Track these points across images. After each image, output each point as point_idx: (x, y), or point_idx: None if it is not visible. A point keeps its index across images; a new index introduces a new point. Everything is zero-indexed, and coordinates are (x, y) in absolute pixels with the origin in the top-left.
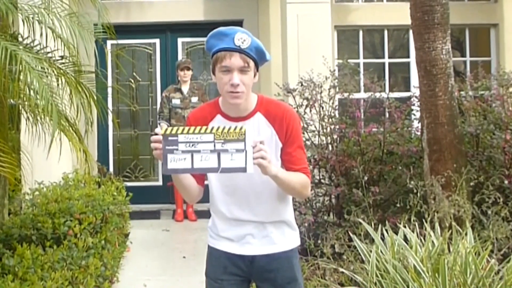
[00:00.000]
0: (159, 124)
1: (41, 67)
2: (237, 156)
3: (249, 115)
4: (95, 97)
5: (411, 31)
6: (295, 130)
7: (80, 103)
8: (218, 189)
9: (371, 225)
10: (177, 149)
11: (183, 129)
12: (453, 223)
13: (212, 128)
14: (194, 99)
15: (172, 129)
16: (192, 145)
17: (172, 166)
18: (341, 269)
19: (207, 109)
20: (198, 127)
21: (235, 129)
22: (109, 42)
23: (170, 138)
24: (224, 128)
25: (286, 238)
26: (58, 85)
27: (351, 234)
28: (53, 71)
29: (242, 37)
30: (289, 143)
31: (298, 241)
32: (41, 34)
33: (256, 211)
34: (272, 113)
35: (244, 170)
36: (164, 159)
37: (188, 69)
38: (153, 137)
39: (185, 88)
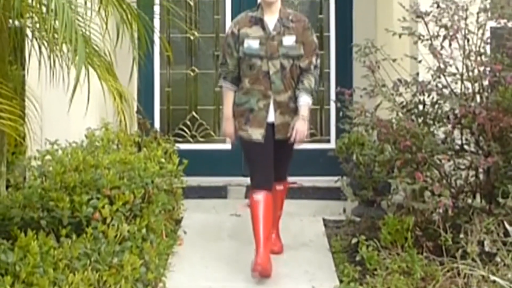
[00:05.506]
0: (222, 83)
1: None
2: None
3: None
4: (137, 14)
5: None
6: None
7: (123, 26)
8: None
9: None
10: None
11: None
12: None
13: None
14: (288, 41)
15: None
16: None
17: None
18: (492, 277)
19: None
20: None
21: None
22: None
23: None
24: None
25: None
26: (85, 2)
27: (507, 226)
28: None
29: None
30: None
31: None
32: None
33: None
34: None
35: None
36: None
37: None
38: None
39: (271, 19)
